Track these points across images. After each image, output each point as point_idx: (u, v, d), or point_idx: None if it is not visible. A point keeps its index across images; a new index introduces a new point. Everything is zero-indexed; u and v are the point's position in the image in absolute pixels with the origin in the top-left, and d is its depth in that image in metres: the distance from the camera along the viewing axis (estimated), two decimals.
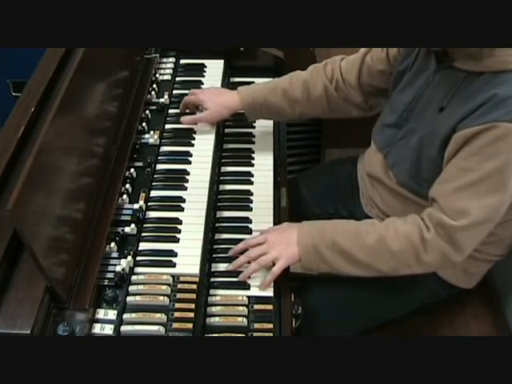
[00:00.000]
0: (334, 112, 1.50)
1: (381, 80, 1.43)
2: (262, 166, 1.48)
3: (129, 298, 1.14)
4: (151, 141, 1.44)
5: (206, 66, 1.71)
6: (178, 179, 1.38)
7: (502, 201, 1.15)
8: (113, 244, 1.19)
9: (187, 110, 1.55)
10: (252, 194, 1.40)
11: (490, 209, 1.15)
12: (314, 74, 1.47)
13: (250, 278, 1.22)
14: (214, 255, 1.27)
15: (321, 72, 1.46)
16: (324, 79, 1.46)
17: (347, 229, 1.24)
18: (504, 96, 1.10)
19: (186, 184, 1.37)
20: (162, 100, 1.55)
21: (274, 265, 1.23)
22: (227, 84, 1.60)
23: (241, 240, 1.29)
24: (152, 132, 1.45)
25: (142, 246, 1.24)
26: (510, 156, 1.11)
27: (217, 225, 1.34)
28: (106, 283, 1.14)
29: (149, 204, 1.32)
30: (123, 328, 1.09)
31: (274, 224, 1.34)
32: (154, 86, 1.58)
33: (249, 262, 1.23)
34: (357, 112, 1.50)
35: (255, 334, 1.14)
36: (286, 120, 1.60)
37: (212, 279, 1.23)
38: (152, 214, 1.30)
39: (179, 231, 1.27)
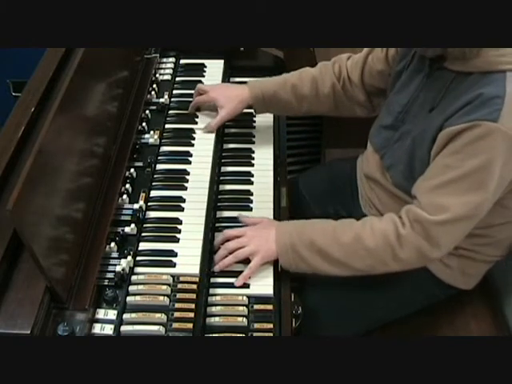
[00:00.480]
0: (340, 110, 1.51)
1: (381, 80, 1.44)
2: (262, 166, 1.48)
3: (129, 298, 1.14)
4: (151, 141, 1.44)
5: (206, 66, 1.71)
6: (178, 179, 1.38)
7: (482, 199, 1.15)
8: (113, 244, 1.19)
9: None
10: (252, 194, 1.40)
11: (469, 206, 1.15)
12: (323, 71, 1.48)
13: (250, 277, 1.22)
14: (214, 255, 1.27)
15: (329, 70, 1.48)
16: (332, 77, 1.47)
17: (325, 228, 1.24)
18: (489, 95, 1.10)
19: (186, 184, 1.37)
20: (162, 100, 1.55)
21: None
22: None
23: None
24: (152, 132, 1.45)
25: (142, 246, 1.24)
26: (491, 155, 1.11)
27: (217, 225, 1.33)
28: (105, 283, 1.14)
29: (149, 204, 1.32)
30: (123, 328, 1.09)
31: None
32: (154, 86, 1.58)
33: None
34: (361, 111, 1.51)
35: (255, 334, 1.14)
36: (292, 115, 1.61)
37: (212, 279, 1.23)
38: (152, 214, 1.30)
39: (179, 231, 1.27)
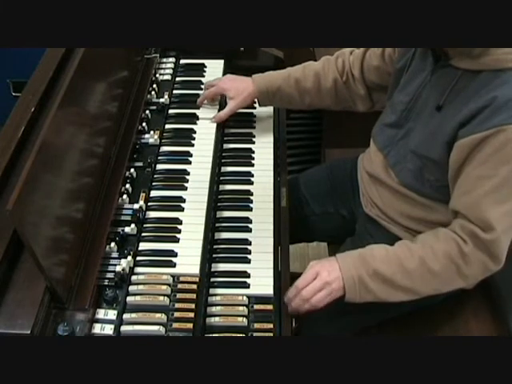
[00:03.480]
0: (342, 104, 1.53)
1: (378, 76, 1.45)
2: (262, 166, 1.48)
3: (129, 298, 1.14)
4: (151, 141, 1.44)
5: (206, 66, 1.71)
6: (178, 179, 1.38)
7: None
8: (113, 244, 1.19)
9: (205, 102, 1.58)
10: (252, 194, 1.40)
11: None
12: (326, 66, 1.49)
13: (250, 277, 1.22)
14: (214, 255, 1.27)
15: (332, 65, 1.49)
16: (335, 72, 1.48)
17: (386, 255, 1.20)
18: (505, 99, 1.10)
19: (185, 184, 1.37)
20: (162, 100, 1.55)
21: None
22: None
23: (241, 240, 1.29)
24: (152, 132, 1.45)
25: (142, 246, 1.24)
26: None
27: (217, 225, 1.34)
28: (105, 283, 1.14)
29: (149, 204, 1.32)
30: (123, 328, 1.09)
31: (274, 224, 1.34)
32: (154, 85, 1.58)
33: None
34: (362, 105, 1.52)
35: (255, 334, 1.14)
36: (295, 108, 1.62)
37: (212, 279, 1.23)
38: (152, 214, 1.30)
39: (179, 231, 1.27)
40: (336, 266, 1.20)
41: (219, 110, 1.55)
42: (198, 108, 1.58)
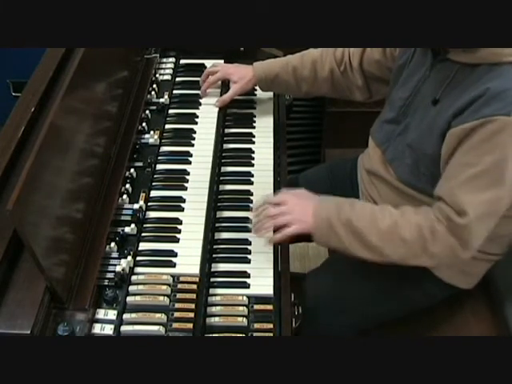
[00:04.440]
0: (339, 93, 1.55)
1: (378, 69, 1.46)
2: (262, 166, 1.47)
3: (129, 298, 1.14)
4: (151, 141, 1.44)
5: (205, 66, 1.71)
6: (178, 179, 1.39)
7: (501, 194, 1.15)
8: (113, 244, 1.19)
9: (208, 90, 1.61)
10: (252, 194, 1.40)
11: (489, 203, 1.15)
12: (324, 54, 1.51)
13: (250, 277, 1.23)
14: (214, 255, 1.27)
15: (330, 54, 1.50)
16: (332, 61, 1.50)
17: (364, 209, 1.24)
18: (497, 90, 1.10)
19: (185, 184, 1.38)
20: (162, 100, 1.55)
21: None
22: (227, 84, 1.60)
23: (241, 240, 1.29)
24: (152, 132, 1.45)
25: (142, 246, 1.24)
26: (506, 149, 1.11)
27: (217, 225, 1.33)
28: (106, 283, 1.14)
29: (149, 204, 1.32)
30: (123, 328, 1.09)
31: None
32: (154, 86, 1.58)
33: None
34: (360, 95, 1.53)
35: (255, 334, 1.14)
36: (293, 95, 1.66)
37: (212, 279, 1.23)
38: (152, 214, 1.30)
39: (179, 231, 1.27)
40: (312, 203, 1.25)
41: (221, 95, 1.58)
42: (198, 108, 1.58)
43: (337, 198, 1.28)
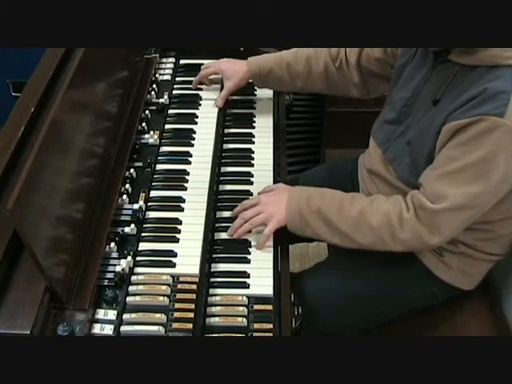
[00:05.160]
0: (334, 89, 1.56)
1: (378, 67, 1.46)
2: (262, 166, 1.47)
3: (129, 298, 1.14)
4: (151, 141, 1.44)
5: None
6: (178, 179, 1.38)
7: (482, 190, 1.16)
8: (113, 244, 1.19)
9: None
10: (252, 194, 1.40)
11: (469, 197, 1.16)
12: (319, 50, 1.51)
13: (250, 277, 1.22)
14: (214, 255, 1.27)
15: (325, 50, 1.50)
16: (327, 57, 1.50)
17: (334, 198, 1.27)
18: (494, 91, 1.11)
19: (185, 184, 1.37)
20: (161, 100, 1.55)
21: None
22: None
23: (241, 240, 1.29)
24: (152, 132, 1.45)
25: (142, 246, 1.24)
26: (495, 148, 1.12)
27: (217, 225, 1.33)
28: (105, 283, 1.14)
29: (149, 204, 1.32)
30: (123, 328, 1.09)
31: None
32: (154, 86, 1.58)
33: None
34: (356, 92, 1.53)
35: (255, 334, 1.14)
36: (287, 91, 1.66)
37: (212, 279, 1.23)
38: (152, 214, 1.30)
39: (179, 231, 1.27)
40: (286, 196, 1.28)
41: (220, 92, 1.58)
42: (197, 108, 1.58)
43: (309, 188, 1.32)
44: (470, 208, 1.18)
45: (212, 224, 1.32)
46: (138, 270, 1.19)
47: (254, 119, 1.60)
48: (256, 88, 1.64)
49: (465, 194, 1.16)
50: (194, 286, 1.16)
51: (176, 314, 1.12)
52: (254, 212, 1.28)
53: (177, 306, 1.13)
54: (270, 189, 1.35)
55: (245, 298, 1.19)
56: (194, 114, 1.56)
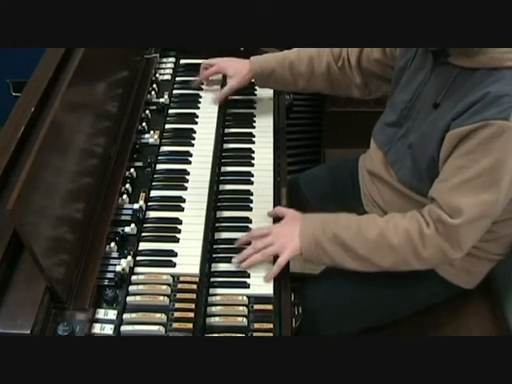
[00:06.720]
0: (336, 89, 1.55)
1: (378, 68, 1.46)
2: (262, 166, 1.47)
3: (129, 298, 1.14)
4: (151, 141, 1.44)
5: None
6: (178, 179, 1.38)
7: (496, 197, 1.15)
8: (113, 244, 1.19)
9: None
10: (252, 194, 1.40)
11: (485, 206, 1.15)
12: (322, 50, 1.51)
13: (250, 277, 1.22)
14: (214, 255, 1.27)
15: (327, 50, 1.50)
16: (329, 57, 1.49)
17: (349, 222, 1.24)
18: (496, 94, 1.10)
19: (186, 184, 1.37)
20: (162, 100, 1.55)
21: (277, 257, 1.24)
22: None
23: None
24: (152, 132, 1.45)
25: (142, 245, 1.24)
26: (503, 153, 1.11)
27: (217, 225, 1.33)
28: (106, 283, 1.14)
29: (149, 204, 1.32)
30: (123, 328, 1.09)
31: (274, 222, 1.34)
32: (154, 86, 1.58)
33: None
34: (357, 92, 1.53)
35: (255, 334, 1.14)
36: (289, 91, 1.65)
37: (212, 279, 1.23)
38: (152, 214, 1.30)
39: (179, 231, 1.27)
40: (298, 224, 1.25)
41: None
42: (198, 108, 1.58)
43: (321, 215, 1.28)
44: (486, 216, 1.17)
45: (212, 224, 1.32)
46: (138, 269, 1.19)
47: (255, 119, 1.60)
48: (256, 88, 1.64)
49: (480, 204, 1.14)
50: (194, 286, 1.16)
51: (176, 314, 1.12)
52: (264, 244, 1.24)
53: (177, 305, 1.13)
54: (281, 212, 1.31)
55: (245, 297, 1.19)
56: (194, 113, 1.56)
